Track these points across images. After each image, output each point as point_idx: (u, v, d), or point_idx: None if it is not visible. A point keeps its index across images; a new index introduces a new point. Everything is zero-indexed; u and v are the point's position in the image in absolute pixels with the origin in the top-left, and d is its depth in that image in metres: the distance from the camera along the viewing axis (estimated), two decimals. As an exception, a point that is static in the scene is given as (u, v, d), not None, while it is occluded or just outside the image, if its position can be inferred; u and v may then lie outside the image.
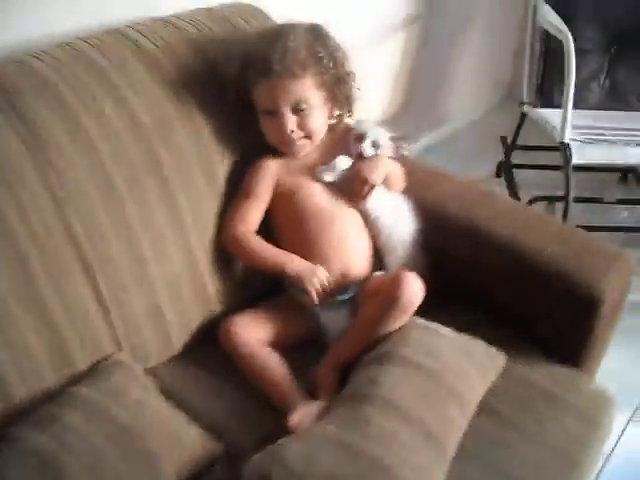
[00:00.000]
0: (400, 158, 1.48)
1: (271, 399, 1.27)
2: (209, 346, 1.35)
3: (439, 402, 1.16)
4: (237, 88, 1.33)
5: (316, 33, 1.35)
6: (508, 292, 1.43)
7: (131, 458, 1.04)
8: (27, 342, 1.12)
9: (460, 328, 1.33)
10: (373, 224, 1.44)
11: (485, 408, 1.26)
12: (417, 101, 2.51)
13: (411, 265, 1.42)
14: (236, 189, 1.38)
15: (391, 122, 2.43)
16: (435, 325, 1.31)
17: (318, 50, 1.32)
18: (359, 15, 2.08)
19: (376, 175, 1.38)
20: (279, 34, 1.31)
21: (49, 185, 1.13)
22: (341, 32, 2.01)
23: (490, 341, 1.34)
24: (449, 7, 2.44)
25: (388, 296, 1.28)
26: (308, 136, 1.38)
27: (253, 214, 1.38)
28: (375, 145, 1.37)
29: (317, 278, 1.31)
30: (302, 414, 1.20)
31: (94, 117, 1.19)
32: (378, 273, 1.39)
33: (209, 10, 1.43)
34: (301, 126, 1.36)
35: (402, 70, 2.42)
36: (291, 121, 1.34)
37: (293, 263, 1.34)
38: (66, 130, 1.15)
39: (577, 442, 1.24)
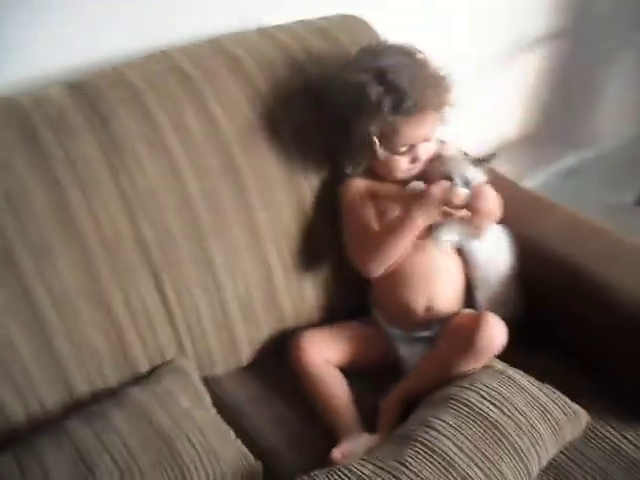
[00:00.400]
0: (502, 182, 1.37)
1: (327, 424, 1.23)
2: (279, 361, 1.34)
3: (494, 459, 1.07)
4: (369, 124, 1.25)
5: (411, 51, 1.29)
6: (610, 350, 1.28)
7: (162, 466, 1.05)
8: (91, 339, 1.17)
9: (545, 376, 1.22)
10: (468, 256, 1.34)
11: (557, 470, 1.15)
12: (559, 121, 2.34)
13: (504, 302, 1.33)
14: (321, 208, 1.35)
15: (526, 141, 2.30)
16: (514, 372, 1.21)
17: (439, 75, 1.26)
18: (492, 29, 1.98)
19: (489, 203, 1.27)
20: (401, 65, 1.24)
21: (122, 190, 1.17)
22: (468, 47, 1.95)
23: (577, 395, 1.21)
24: (598, 22, 2.25)
25: (465, 338, 1.20)
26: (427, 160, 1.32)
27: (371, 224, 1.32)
28: (466, 182, 1.25)
29: (434, 194, 1.23)
30: (349, 447, 1.15)
31: (174, 125, 1.21)
32: (465, 311, 1.30)
33: (311, 23, 1.41)
34: (427, 152, 1.30)
35: (542, 87, 2.27)
36: (423, 153, 1.29)
37: (417, 211, 1.25)
38: (144, 137, 1.19)
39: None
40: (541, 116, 2.31)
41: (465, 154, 1.30)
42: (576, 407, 1.19)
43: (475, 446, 1.08)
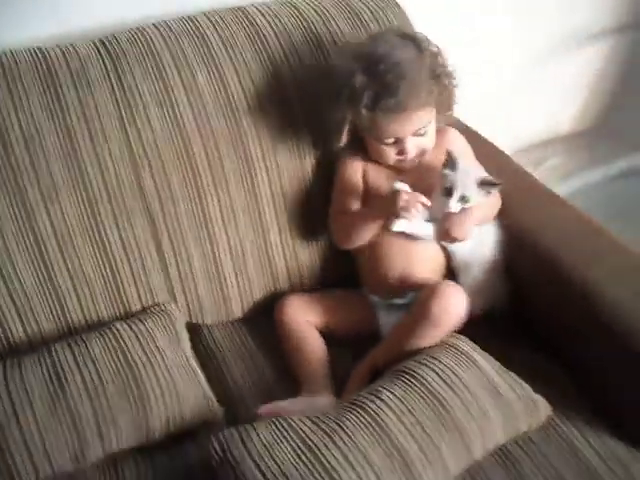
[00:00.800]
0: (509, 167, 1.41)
1: (296, 379, 1.30)
2: (270, 319, 1.41)
3: (433, 434, 1.10)
4: (345, 111, 1.29)
5: (417, 45, 1.27)
6: (580, 344, 1.28)
7: (126, 395, 1.16)
8: (87, 273, 1.29)
9: (523, 368, 1.24)
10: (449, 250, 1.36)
11: (506, 457, 1.17)
12: (618, 119, 2.25)
13: (485, 292, 1.35)
14: (323, 176, 1.40)
15: (580, 138, 2.24)
16: (478, 355, 1.23)
17: (434, 68, 1.26)
18: (545, 22, 1.93)
19: (463, 233, 1.27)
20: (391, 57, 1.23)
21: (128, 142, 1.27)
22: (527, 34, 1.91)
23: (549, 389, 1.23)
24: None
25: (421, 307, 1.23)
26: (421, 153, 1.34)
27: (351, 207, 1.38)
28: (463, 200, 1.27)
29: (398, 201, 1.25)
30: (282, 405, 1.22)
31: (185, 86, 1.29)
32: (436, 281, 1.32)
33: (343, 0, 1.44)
34: (418, 147, 1.32)
35: (601, 83, 2.19)
36: (412, 147, 1.31)
37: (375, 205, 1.32)
38: (155, 94, 1.28)
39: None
40: (600, 112, 2.23)
41: (475, 170, 1.29)
42: (538, 399, 1.20)
43: (418, 421, 1.11)
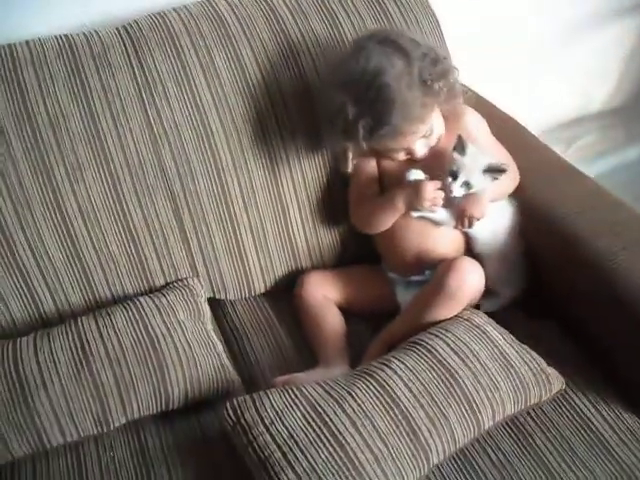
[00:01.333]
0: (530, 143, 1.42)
1: (313, 351, 1.34)
2: (291, 295, 1.44)
3: (441, 403, 1.12)
4: (343, 142, 1.31)
5: (403, 52, 1.23)
6: (594, 316, 1.28)
7: (146, 363, 1.21)
8: (113, 250, 1.34)
9: (531, 339, 1.25)
10: (468, 233, 1.37)
11: (517, 428, 1.19)
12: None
13: (507, 280, 1.37)
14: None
15: (615, 116, 2.20)
16: (492, 328, 1.24)
17: (424, 78, 1.23)
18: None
19: (479, 211, 1.27)
20: (378, 79, 1.20)
21: (149, 122, 1.32)
22: (551, 15, 1.89)
23: (560, 362, 1.24)
24: None
25: (437, 281, 1.25)
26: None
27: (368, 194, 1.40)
28: (467, 186, 1.27)
29: (424, 194, 1.27)
30: (299, 377, 1.25)
31: (204, 67, 1.33)
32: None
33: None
34: (427, 145, 1.33)
35: (634, 59, 2.14)
36: (422, 148, 1.32)
37: (400, 199, 1.31)
38: (174, 75, 1.32)
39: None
40: (634, 89, 2.19)
41: (484, 156, 1.29)
42: (551, 371, 1.21)
43: (426, 390, 1.13)
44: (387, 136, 1.24)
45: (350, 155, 1.33)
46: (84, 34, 1.33)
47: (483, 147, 1.31)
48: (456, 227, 1.31)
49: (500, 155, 1.34)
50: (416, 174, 1.30)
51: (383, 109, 1.20)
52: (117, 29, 1.35)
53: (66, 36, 1.32)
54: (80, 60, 1.30)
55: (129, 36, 1.33)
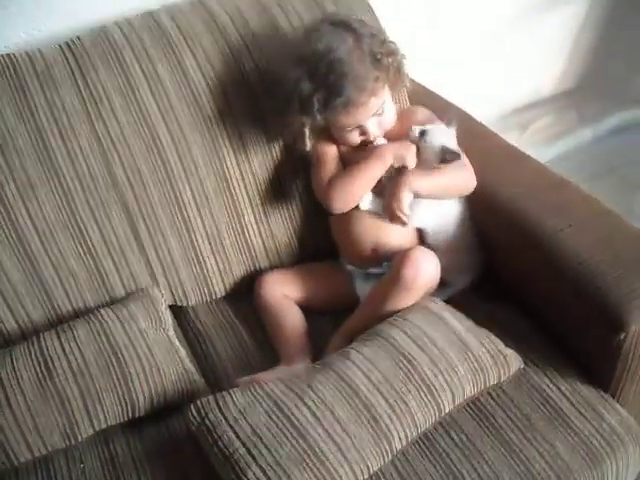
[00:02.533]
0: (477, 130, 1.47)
1: (275, 350, 1.36)
2: (251, 296, 1.46)
3: (400, 390, 1.14)
4: (300, 119, 1.32)
5: (353, 31, 1.28)
6: (545, 294, 1.31)
7: (110, 373, 1.22)
8: (71, 265, 1.35)
9: (491, 322, 1.29)
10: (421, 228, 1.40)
11: (478, 409, 1.22)
12: (604, 76, 2.25)
13: (460, 268, 1.40)
14: (292, 152, 1.44)
15: (566, 98, 2.24)
16: (449, 314, 1.27)
17: (374, 52, 1.27)
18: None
19: (397, 200, 1.30)
20: (329, 54, 1.24)
21: (97, 136, 1.33)
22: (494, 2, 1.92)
23: (519, 342, 1.28)
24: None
25: (393, 272, 1.27)
26: (384, 127, 1.38)
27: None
28: (422, 135, 1.31)
29: (412, 151, 1.32)
30: (260, 376, 1.26)
31: (148, 78, 1.35)
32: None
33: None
34: (380, 125, 1.36)
35: (584, 39, 2.18)
36: (374, 127, 1.35)
37: (388, 150, 1.34)
38: (119, 88, 1.33)
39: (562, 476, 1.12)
40: (583, 71, 2.23)
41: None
42: (508, 352, 1.24)
43: (385, 378, 1.16)
44: (341, 108, 1.26)
45: (307, 132, 1.34)
46: (26, 53, 1.34)
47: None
48: (390, 221, 1.33)
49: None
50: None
51: (336, 81, 1.23)
52: (59, 46, 1.36)
53: (8, 55, 1.33)
54: (24, 78, 1.31)
55: (72, 52, 1.34)
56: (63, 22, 1.45)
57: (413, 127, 1.33)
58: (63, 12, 1.45)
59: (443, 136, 1.33)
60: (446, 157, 1.30)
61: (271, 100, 1.37)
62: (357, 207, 1.37)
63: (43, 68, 1.32)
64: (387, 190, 1.32)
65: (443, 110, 1.48)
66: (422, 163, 1.32)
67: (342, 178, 1.36)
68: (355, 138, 1.36)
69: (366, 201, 1.34)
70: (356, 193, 1.36)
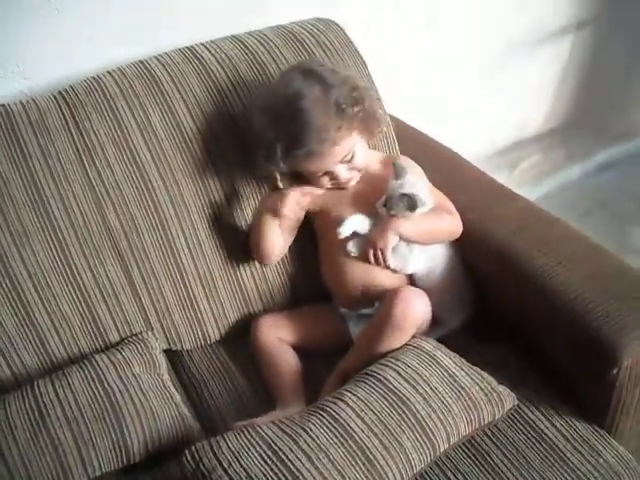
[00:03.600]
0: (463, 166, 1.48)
1: (270, 394, 1.36)
2: (246, 340, 1.47)
3: (395, 430, 1.14)
4: (267, 167, 1.36)
5: (316, 77, 1.30)
6: (538, 331, 1.32)
7: (104, 418, 1.22)
8: (65, 311, 1.36)
9: (484, 361, 1.29)
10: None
11: (474, 448, 1.22)
12: (591, 112, 2.29)
13: (451, 308, 1.41)
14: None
15: (553, 135, 2.28)
16: (441, 353, 1.28)
17: (338, 102, 1.28)
18: (511, 18, 2.00)
19: (382, 242, 1.33)
20: (294, 105, 1.27)
21: (91, 184, 1.35)
22: (491, 34, 1.97)
23: (513, 380, 1.28)
24: (631, 8, 2.18)
25: (383, 312, 1.28)
26: (358, 172, 1.40)
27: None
28: (385, 207, 1.33)
29: (286, 201, 1.34)
30: (257, 420, 1.26)
31: (140, 126, 1.37)
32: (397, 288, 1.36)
33: (282, 28, 1.52)
34: (350, 170, 1.38)
35: (569, 78, 2.23)
36: (344, 172, 1.37)
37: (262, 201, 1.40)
38: (112, 136, 1.36)
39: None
40: (572, 108, 2.27)
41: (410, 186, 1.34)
42: (502, 389, 1.24)
43: (379, 419, 1.16)
44: (303, 158, 1.30)
45: (278, 176, 1.37)
46: (21, 102, 1.37)
47: (414, 182, 1.35)
48: (372, 262, 1.35)
49: (439, 200, 1.38)
50: (353, 222, 1.36)
51: (298, 132, 1.26)
52: (53, 95, 1.39)
53: (3, 105, 1.36)
54: (18, 127, 1.33)
55: (65, 101, 1.37)
56: (57, 72, 1.47)
57: (376, 205, 1.34)
58: (57, 62, 1.47)
59: (401, 189, 1.33)
60: (407, 202, 1.31)
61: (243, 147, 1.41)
62: (344, 248, 1.37)
63: (37, 117, 1.34)
64: (372, 233, 1.33)
65: (433, 150, 1.51)
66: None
67: (250, 236, 1.42)
68: (325, 183, 1.39)
69: (345, 227, 1.35)
70: (263, 251, 1.41)
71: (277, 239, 1.40)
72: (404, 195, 1.30)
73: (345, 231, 1.34)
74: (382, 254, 1.32)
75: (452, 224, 1.38)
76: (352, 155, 1.35)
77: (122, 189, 1.36)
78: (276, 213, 1.35)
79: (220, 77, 1.44)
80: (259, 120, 1.31)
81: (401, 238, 1.33)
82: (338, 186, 1.39)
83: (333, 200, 1.41)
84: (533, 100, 2.20)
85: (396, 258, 1.35)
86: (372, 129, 1.38)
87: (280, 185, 1.38)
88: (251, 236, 1.41)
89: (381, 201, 1.33)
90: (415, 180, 1.34)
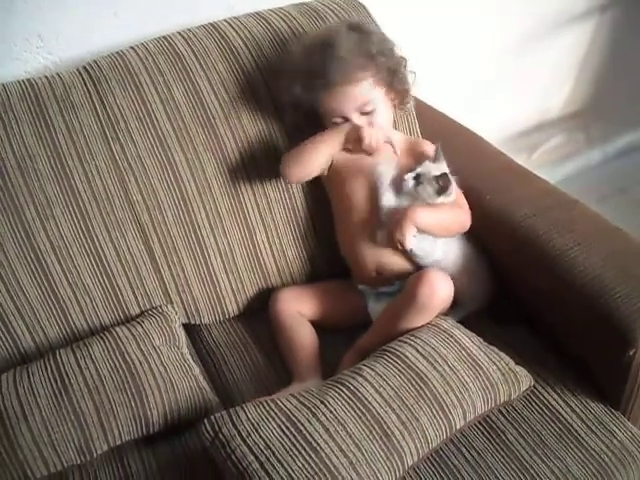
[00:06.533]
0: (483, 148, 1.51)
1: (288, 367, 1.37)
2: (265, 314, 1.48)
3: (412, 406, 1.15)
4: (294, 104, 1.38)
5: (360, 30, 1.36)
6: (556, 313, 1.32)
7: (124, 389, 1.24)
8: (87, 283, 1.37)
9: (502, 341, 1.30)
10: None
11: (489, 426, 1.23)
12: (611, 97, 2.28)
13: (467, 296, 1.40)
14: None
15: (575, 120, 2.27)
16: (459, 332, 1.28)
17: (369, 48, 1.33)
18: (535, 2, 1.99)
19: (402, 234, 1.32)
20: (327, 42, 1.32)
21: (114, 157, 1.36)
22: (508, 22, 1.96)
23: (530, 361, 1.29)
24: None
25: (409, 293, 1.29)
26: (381, 136, 1.39)
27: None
28: (417, 180, 1.33)
29: (364, 134, 1.34)
30: (294, 392, 1.26)
31: (163, 101, 1.38)
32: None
33: (305, 5, 1.52)
34: (370, 123, 1.38)
35: (591, 61, 2.21)
36: (363, 123, 1.37)
37: (334, 131, 1.38)
38: (135, 111, 1.37)
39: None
40: (591, 92, 2.26)
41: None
42: (518, 369, 1.25)
43: (397, 394, 1.17)
44: (322, 88, 1.32)
45: (296, 112, 1.39)
46: (46, 77, 1.38)
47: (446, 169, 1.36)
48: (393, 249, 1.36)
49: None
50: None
51: (323, 62, 1.30)
52: (77, 70, 1.40)
53: (29, 80, 1.37)
54: (43, 102, 1.34)
55: (89, 76, 1.38)
56: (81, 47, 1.48)
57: (405, 177, 1.34)
58: (81, 37, 1.48)
59: (435, 172, 1.34)
60: (440, 184, 1.32)
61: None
62: (359, 231, 1.39)
63: (62, 92, 1.35)
64: (391, 222, 1.34)
65: (453, 131, 1.51)
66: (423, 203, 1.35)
67: (296, 148, 1.40)
68: (344, 133, 1.38)
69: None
70: (304, 163, 1.39)
71: (320, 165, 1.40)
72: (439, 176, 1.31)
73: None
74: (401, 245, 1.32)
75: (464, 219, 1.39)
76: (373, 109, 1.35)
77: (144, 163, 1.37)
78: (353, 135, 1.35)
79: (243, 54, 1.44)
80: (297, 49, 1.36)
81: (417, 229, 1.33)
82: (362, 147, 1.37)
83: (357, 168, 1.40)
84: (555, 84, 2.19)
85: (420, 249, 1.35)
86: (397, 91, 1.40)
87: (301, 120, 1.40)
88: (301, 148, 1.39)
89: (411, 174, 1.33)
90: (446, 169, 1.35)
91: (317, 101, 1.36)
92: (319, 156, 1.39)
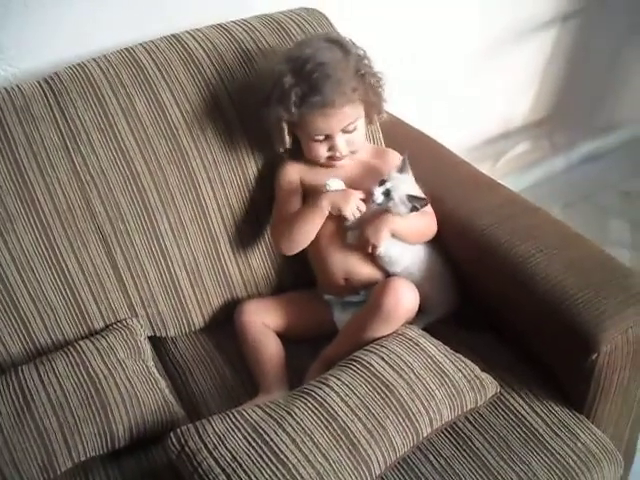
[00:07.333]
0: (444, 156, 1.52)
1: (254, 379, 1.36)
2: (231, 326, 1.47)
3: (378, 414, 1.15)
4: (281, 119, 1.36)
5: (343, 47, 1.34)
6: (520, 319, 1.33)
7: (89, 404, 1.22)
8: (49, 297, 1.36)
9: (468, 348, 1.31)
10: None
11: (456, 433, 1.23)
12: (574, 105, 2.31)
13: (433, 302, 1.41)
14: (266, 183, 1.47)
15: (538, 126, 2.30)
16: (425, 340, 1.29)
17: (358, 67, 1.33)
18: (496, 12, 2.01)
19: (377, 237, 1.34)
20: (314, 59, 1.30)
21: (76, 170, 1.35)
22: (474, 28, 1.98)
23: (496, 367, 1.30)
24: (614, 1, 2.20)
25: (373, 302, 1.29)
26: (353, 151, 1.41)
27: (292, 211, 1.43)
28: (387, 196, 1.33)
29: (351, 200, 1.34)
30: (260, 403, 1.26)
31: (125, 113, 1.37)
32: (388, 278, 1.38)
33: (267, 17, 1.52)
34: (349, 144, 1.39)
35: (553, 70, 2.24)
36: (342, 142, 1.37)
37: (325, 199, 1.36)
38: (97, 124, 1.36)
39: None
40: (556, 100, 2.29)
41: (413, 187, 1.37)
42: (484, 376, 1.26)
43: (363, 403, 1.17)
44: (316, 107, 1.30)
45: (285, 128, 1.37)
46: (5, 89, 1.36)
47: (413, 181, 1.37)
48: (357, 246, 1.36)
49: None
50: (335, 183, 1.36)
51: (317, 80, 1.28)
52: (38, 82, 1.38)
53: (-13, 92, 1.35)
54: (3, 114, 1.32)
55: (50, 88, 1.37)
56: (41, 59, 1.46)
57: (374, 190, 1.34)
58: (41, 49, 1.47)
59: (404, 185, 1.35)
60: (415, 205, 1.33)
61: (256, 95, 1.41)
62: (328, 238, 1.39)
63: (22, 104, 1.34)
64: (365, 225, 1.34)
65: (417, 140, 1.52)
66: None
67: (286, 224, 1.40)
68: (323, 151, 1.38)
69: (333, 184, 1.37)
70: (298, 240, 1.40)
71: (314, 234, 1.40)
72: (413, 198, 1.32)
73: (332, 184, 1.36)
74: (373, 249, 1.33)
75: (433, 225, 1.41)
76: (354, 128, 1.35)
77: (107, 175, 1.36)
78: (335, 210, 1.35)
79: (205, 65, 1.44)
80: (279, 66, 1.33)
81: (393, 235, 1.34)
82: (332, 160, 1.38)
83: (311, 173, 1.42)
84: (518, 91, 2.22)
85: (389, 255, 1.36)
86: (376, 109, 1.40)
87: (286, 142, 1.38)
88: (293, 223, 1.39)
89: (380, 189, 1.33)
90: (413, 179, 1.36)
91: (303, 118, 1.34)
92: (310, 234, 1.39)
